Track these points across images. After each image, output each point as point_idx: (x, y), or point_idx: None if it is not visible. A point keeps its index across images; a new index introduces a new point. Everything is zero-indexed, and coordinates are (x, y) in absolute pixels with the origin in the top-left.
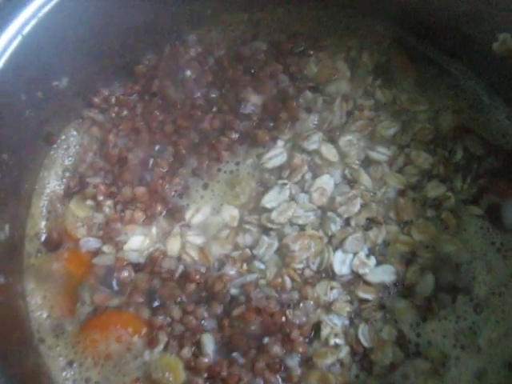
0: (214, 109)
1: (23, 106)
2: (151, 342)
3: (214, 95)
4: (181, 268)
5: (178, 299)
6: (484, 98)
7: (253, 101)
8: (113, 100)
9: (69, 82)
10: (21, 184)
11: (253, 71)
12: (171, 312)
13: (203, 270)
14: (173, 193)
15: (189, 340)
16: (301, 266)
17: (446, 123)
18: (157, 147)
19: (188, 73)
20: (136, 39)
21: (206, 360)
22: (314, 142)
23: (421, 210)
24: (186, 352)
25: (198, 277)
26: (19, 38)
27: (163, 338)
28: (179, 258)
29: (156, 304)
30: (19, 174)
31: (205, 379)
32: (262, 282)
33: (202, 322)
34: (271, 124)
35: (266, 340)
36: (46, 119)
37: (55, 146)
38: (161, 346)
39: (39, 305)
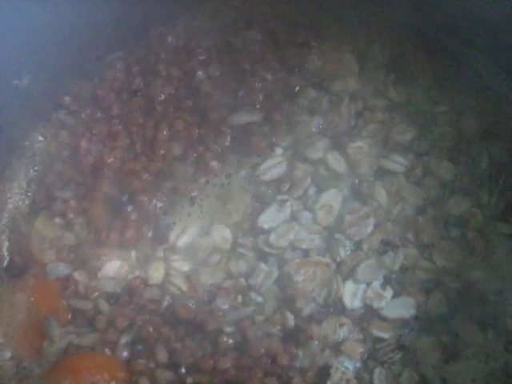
0: (202, 111)
1: None
2: None
3: (202, 94)
4: (167, 300)
5: (164, 338)
6: (510, 95)
7: (245, 101)
8: (84, 100)
9: (32, 81)
10: None
11: (246, 65)
12: (156, 354)
13: (192, 304)
14: (156, 210)
15: None
16: (305, 300)
17: (469, 126)
18: (137, 155)
19: (172, 69)
20: (112, 28)
21: None
22: (319, 149)
23: (443, 230)
24: None
25: (186, 313)
26: None
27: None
28: (163, 288)
29: (136, 344)
30: None
31: None
32: (260, 318)
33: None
34: (267, 128)
35: None
36: (6, 124)
37: (18, 154)
38: None
39: (1, 343)
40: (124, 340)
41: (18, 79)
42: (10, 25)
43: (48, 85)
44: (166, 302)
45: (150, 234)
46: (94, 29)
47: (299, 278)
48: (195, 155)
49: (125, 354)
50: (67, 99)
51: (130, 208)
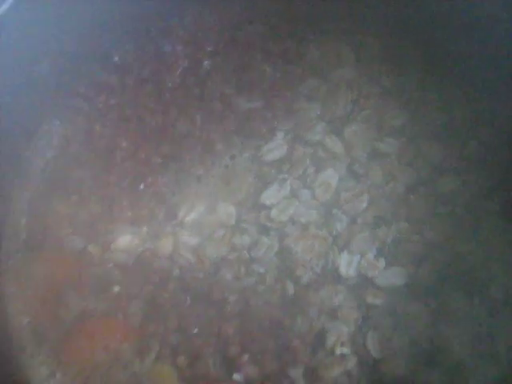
0: (208, 98)
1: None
2: (142, 351)
3: (208, 83)
4: (176, 271)
5: (173, 305)
6: (498, 85)
7: (248, 89)
8: (99, 87)
9: (50, 68)
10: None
11: (249, 57)
12: (166, 320)
13: (198, 274)
14: (165, 189)
15: (184, 349)
16: (303, 269)
17: (457, 113)
18: (147, 138)
19: (182, 59)
20: (124, 22)
21: (203, 370)
22: (317, 133)
23: (433, 207)
24: (182, 361)
25: (194, 282)
26: None
27: (155, 346)
28: (172, 260)
29: (147, 310)
30: None
31: None
32: (261, 287)
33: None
34: (269, 114)
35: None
36: (25, 109)
37: (36, 136)
38: (153, 355)
39: (20, 310)
40: (135, 306)
41: (38, 66)
42: (32, 14)
43: (65, 73)
44: (174, 273)
45: (160, 212)
46: (108, 22)
47: (298, 249)
48: (201, 139)
49: (136, 319)
50: (83, 87)
51: (141, 187)
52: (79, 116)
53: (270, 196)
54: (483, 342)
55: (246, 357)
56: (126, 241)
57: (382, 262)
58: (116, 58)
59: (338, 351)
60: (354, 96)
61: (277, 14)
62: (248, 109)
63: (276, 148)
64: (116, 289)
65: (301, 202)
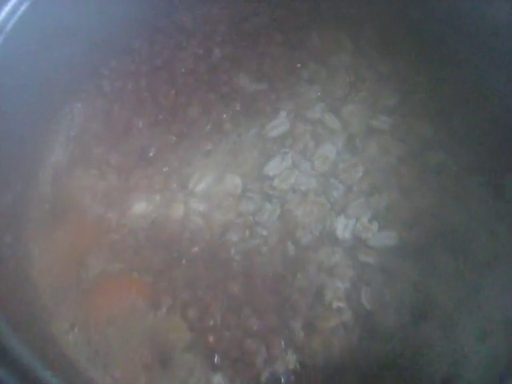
0: (217, 82)
1: (28, 75)
2: (155, 306)
3: (217, 69)
4: (186, 234)
5: (183, 264)
6: (484, 69)
7: (254, 74)
8: (117, 73)
9: (74, 52)
10: (26, 151)
11: (255, 45)
12: (176, 278)
13: (208, 237)
14: (178, 162)
15: (194, 303)
16: (303, 231)
17: (447, 95)
18: (161, 118)
19: (193, 48)
20: (138, 16)
21: (211, 321)
22: (317, 111)
23: (422, 178)
24: (191, 314)
25: (203, 244)
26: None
27: (167, 301)
28: (183, 224)
29: (160, 269)
30: (24, 140)
31: (210, 341)
32: (265, 248)
33: (207, 286)
34: (273, 96)
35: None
36: (49, 90)
37: (59, 116)
38: (165, 309)
39: (43, 270)
40: (149, 266)
41: (65, 50)
42: (64, 2)
43: (88, 58)
44: (185, 235)
45: (172, 183)
46: (127, 16)
47: (298, 213)
48: (211, 119)
49: (149, 277)
50: (103, 72)
51: (155, 162)
52: (99, 98)
53: (273, 167)
54: (468, 297)
55: (249, 310)
56: (141, 208)
57: (375, 226)
58: (134, 47)
59: (335, 305)
60: (351, 79)
61: (281, 6)
62: (254, 91)
63: (279, 125)
64: (131, 251)
65: (301, 173)
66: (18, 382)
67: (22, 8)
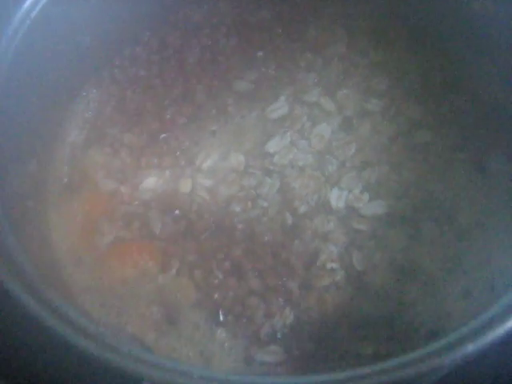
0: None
1: (50, 62)
2: (165, 268)
3: (223, 58)
4: (194, 206)
5: (191, 232)
6: (469, 59)
7: (256, 62)
8: (130, 61)
9: (91, 40)
10: (46, 130)
11: (258, 37)
12: (184, 243)
13: (214, 208)
14: (186, 142)
15: (200, 265)
16: (300, 202)
17: (433, 80)
18: (171, 102)
19: (200, 39)
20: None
21: (216, 281)
22: (314, 95)
23: (411, 154)
24: (197, 274)
25: (209, 214)
26: None
27: (176, 263)
28: (191, 197)
29: (169, 235)
30: (44, 120)
31: (214, 299)
32: (265, 218)
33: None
34: (274, 82)
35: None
36: (68, 75)
37: (76, 100)
38: (173, 271)
39: (62, 238)
40: (159, 233)
41: (82, 39)
42: None
43: (103, 47)
44: (192, 207)
45: (181, 160)
46: (138, 9)
47: (296, 186)
48: (217, 103)
49: (160, 242)
50: (117, 61)
51: (166, 141)
52: (112, 85)
53: (273, 145)
54: (451, 261)
55: (251, 272)
56: (151, 182)
57: (366, 196)
58: (145, 38)
59: (329, 266)
60: (345, 67)
61: (282, 1)
62: (256, 78)
63: (279, 108)
64: (143, 219)
65: (299, 150)
66: None
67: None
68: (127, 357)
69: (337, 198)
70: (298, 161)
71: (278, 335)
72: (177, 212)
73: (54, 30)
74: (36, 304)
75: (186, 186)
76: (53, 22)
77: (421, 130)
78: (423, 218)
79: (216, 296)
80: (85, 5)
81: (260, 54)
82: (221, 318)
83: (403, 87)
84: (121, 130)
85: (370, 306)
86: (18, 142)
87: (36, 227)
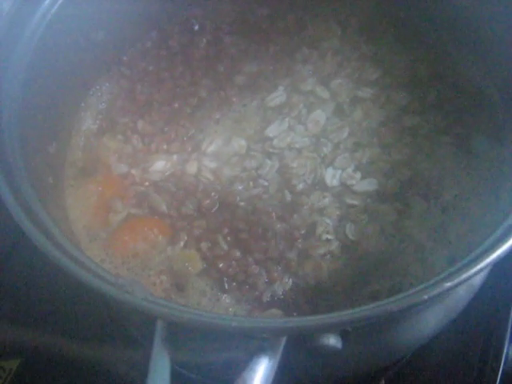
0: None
1: (67, 57)
2: (173, 241)
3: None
4: (200, 186)
5: (197, 208)
6: (452, 51)
7: (257, 57)
8: (140, 57)
9: (104, 36)
10: (63, 120)
11: (259, 34)
12: (192, 219)
13: (218, 187)
14: (192, 129)
15: (206, 238)
16: (298, 180)
17: (421, 71)
18: (178, 94)
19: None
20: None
21: (221, 252)
22: (309, 84)
23: (399, 137)
24: (203, 246)
25: (213, 193)
26: None
27: (183, 237)
28: (197, 178)
29: (177, 212)
30: (61, 110)
31: (219, 268)
32: (266, 196)
33: (217, 225)
34: (272, 75)
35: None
36: (82, 69)
37: (90, 92)
38: (181, 243)
39: (77, 217)
40: (168, 210)
41: (96, 34)
42: None
43: (114, 43)
44: (198, 187)
45: (188, 145)
46: (147, 9)
47: (294, 166)
48: (220, 94)
49: (169, 219)
50: (127, 56)
51: (174, 129)
52: (123, 79)
53: (272, 130)
54: (438, 231)
55: (253, 244)
56: (160, 165)
57: (358, 175)
58: (154, 35)
59: (324, 237)
60: (338, 60)
61: (280, 0)
62: (256, 71)
63: (277, 97)
64: (153, 198)
65: (296, 134)
66: None
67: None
68: (144, 300)
69: (331, 177)
70: (295, 143)
71: (278, 299)
72: (184, 191)
73: (71, 26)
74: (64, 256)
75: (192, 168)
76: (70, 18)
77: (408, 115)
78: (411, 193)
79: (221, 265)
80: (98, 4)
81: (259, 48)
82: (225, 285)
83: (392, 77)
84: (132, 119)
85: (362, 272)
86: (41, 127)
87: (55, 203)
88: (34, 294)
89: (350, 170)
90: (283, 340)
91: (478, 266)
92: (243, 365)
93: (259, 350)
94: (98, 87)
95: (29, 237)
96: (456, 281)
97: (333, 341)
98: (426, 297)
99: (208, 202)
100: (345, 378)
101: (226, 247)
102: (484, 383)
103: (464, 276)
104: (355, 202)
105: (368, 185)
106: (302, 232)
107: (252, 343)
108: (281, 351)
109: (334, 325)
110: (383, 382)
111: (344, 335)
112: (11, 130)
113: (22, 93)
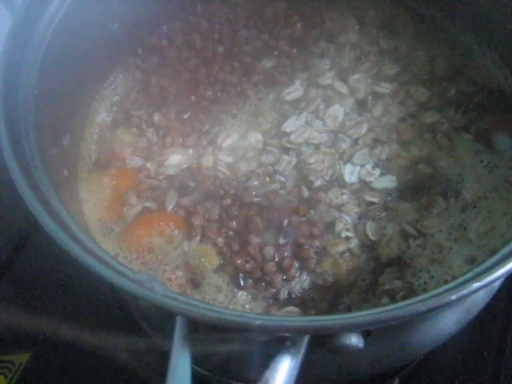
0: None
1: (82, 50)
2: (189, 235)
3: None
4: (215, 180)
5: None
6: (473, 47)
7: (274, 51)
8: (155, 50)
9: (120, 29)
10: (77, 112)
11: (275, 28)
12: (208, 213)
13: (234, 182)
14: (208, 123)
15: (222, 233)
16: (316, 176)
17: (440, 67)
18: (194, 87)
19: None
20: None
21: (236, 247)
22: (327, 78)
23: (418, 133)
24: (220, 241)
25: (229, 188)
26: None
27: (199, 231)
28: (213, 172)
29: (193, 206)
30: (75, 102)
31: (236, 264)
32: (282, 191)
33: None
34: (289, 69)
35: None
36: (97, 61)
37: (104, 85)
38: (198, 238)
39: (92, 210)
40: (184, 204)
41: (111, 25)
42: None
43: (130, 35)
44: (214, 182)
45: (204, 139)
46: (159, 5)
47: (311, 161)
48: (236, 88)
49: (184, 213)
50: (142, 49)
51: (189, 123)
52: (138, 71)
53: (289, 125)
54: (457, 230)
55: (270, 239)
56: (176, 159)
57: (377, 171)
58: (169, 29)
59: (343, 234)
60: (356, 54)
61: None
62: (273, 65)
63: (294, 91)
64: (168, 192)
65: (314, 129)
66: None
67: None
68: (163, 296)
69: (350, 173)
70: (313, 139)
71: (295, 297)
72: (200, 186)
73: (86, 17)
74: (82, 252)
75: (207, 162)
76: (85, 9)
77: (428, 111)
78: (430, 192)
79: (237, 261)
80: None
81: (276, 43)
82: (241, 282)
83: (411, 73)
84: (146, 112)
85: (381, 271)
86: (56, 119)
87: (70, 196)
88: (46, 286)
89: (368, 166)
90: (306, 339)
91: (507, 267)
92: (265, 364)
93: (282, 349)
94: (112, 79)
95: (47, 232)
96: (484, 281)
97: (355, 340)
98: (454, 297)
99: (224, 196)
100: (360, 377)
101: (241, 242)
102: (499, 383)
103: (492, 276)
104: (374, 200)
105: (387, 182)
106: (320, 228)
107: (274, 342)
108: (304, 350)
109: (361, 324)
110: (397, 380)
111: (366, 335)
112: (27, 122)
113: (37, 85)
